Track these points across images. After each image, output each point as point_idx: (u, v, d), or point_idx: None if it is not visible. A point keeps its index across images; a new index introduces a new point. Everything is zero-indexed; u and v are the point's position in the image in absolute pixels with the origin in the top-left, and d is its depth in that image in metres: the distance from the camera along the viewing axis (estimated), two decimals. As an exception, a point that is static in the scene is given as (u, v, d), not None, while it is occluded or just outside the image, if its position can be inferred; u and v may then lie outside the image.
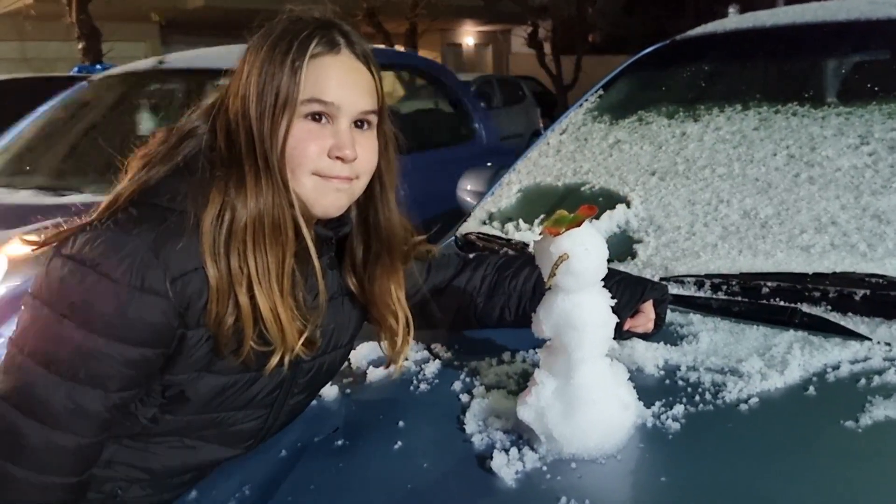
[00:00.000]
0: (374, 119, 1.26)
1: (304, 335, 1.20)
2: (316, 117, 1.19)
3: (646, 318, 1.46)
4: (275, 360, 1.18)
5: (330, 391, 1.43)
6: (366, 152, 1.24)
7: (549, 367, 1.18)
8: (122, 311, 1.07)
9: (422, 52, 19.48)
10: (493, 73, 19.06)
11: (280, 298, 1.16)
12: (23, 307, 1.13)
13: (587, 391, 1.13)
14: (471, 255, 1.63)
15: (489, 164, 3.14)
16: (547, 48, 20.46)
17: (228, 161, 1.18)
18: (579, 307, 1.13)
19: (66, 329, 1.07)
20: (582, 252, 1.11)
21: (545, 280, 1.13)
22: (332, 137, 1.19)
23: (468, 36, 27.15)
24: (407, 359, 1.50)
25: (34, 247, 1.17)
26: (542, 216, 2.01)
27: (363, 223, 1.34)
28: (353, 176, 1.22)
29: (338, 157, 1.19)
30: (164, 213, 1.13)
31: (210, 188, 1.15)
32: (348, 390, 1.44)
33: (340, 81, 1.19)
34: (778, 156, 1.81)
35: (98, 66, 8.45)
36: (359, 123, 1.23)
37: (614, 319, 1.16)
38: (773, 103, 2.00)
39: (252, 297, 1.14)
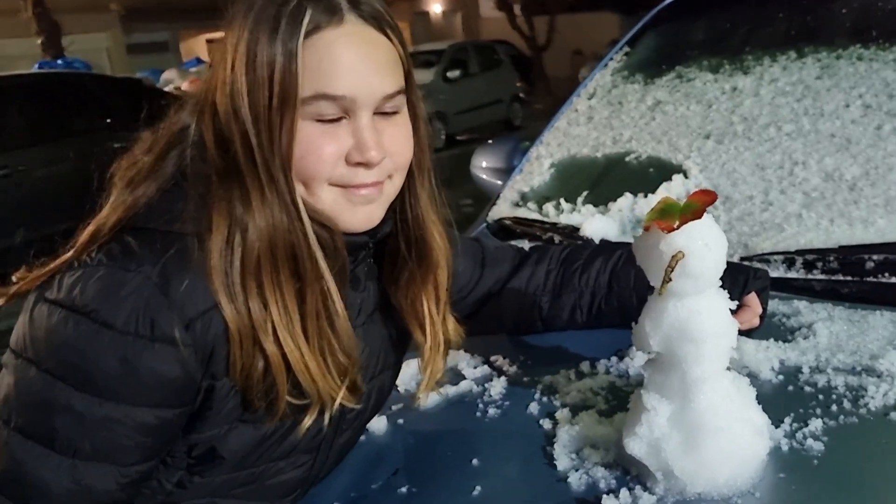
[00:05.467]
0: (401, 100, 0.99)
1: (345, 383, 0.97)
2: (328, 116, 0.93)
3: (752, 312, 1.24)
4: (310, 419, 0.98)
5: (378, 423, 1.21)
6: (398, 144, 0.98)
7: (660, 387, 0.97)
8: (131, 368, 0.85)
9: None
10: (467, 40, 18.76)
11: (307, 346, 0.93)
12: (3, 366, 0.91)
13: (712, 416, 0.93)
14: (528, 247, 1.40)
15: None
16: (517, 9, 20.15)
17: (225, 172, 0.92)
18: (698, 315, 0.92)
19: (61, 393, 0.85)
20: (701, 249, 0.90)
21: (657, 286, 0.92)
22: (351, 137, 0.93)
23: (436, 3, 26.75)
24: (465, 377, 1.29)
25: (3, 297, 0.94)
26: (585, 193, 1.79)
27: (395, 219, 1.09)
28: (382, 178, 0.98)
29: (359, 164, 0.94)
30: (166, 240, 0.89)
31: (211, 208, 0.91)
32: (400, 420, 1.23)
33: (352, 64, 0.91)
34: (851, 107, 1.60)
35: (59, 61, 8.09)
36: (385, 109, 0.97)
37: (736, 325, 0.95)
38: (833, 47, 1.78)
39: (280, 345, 0.91)
